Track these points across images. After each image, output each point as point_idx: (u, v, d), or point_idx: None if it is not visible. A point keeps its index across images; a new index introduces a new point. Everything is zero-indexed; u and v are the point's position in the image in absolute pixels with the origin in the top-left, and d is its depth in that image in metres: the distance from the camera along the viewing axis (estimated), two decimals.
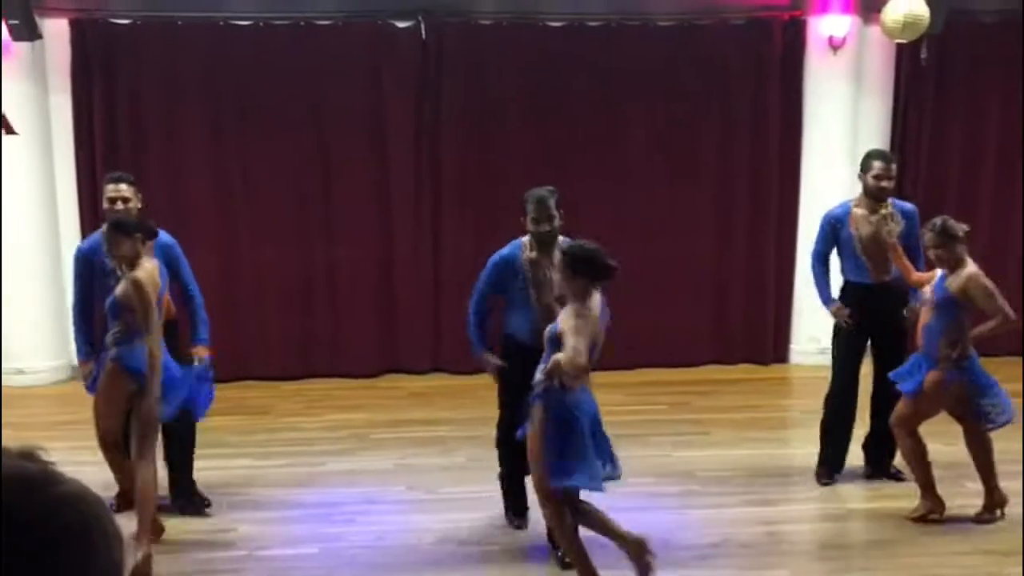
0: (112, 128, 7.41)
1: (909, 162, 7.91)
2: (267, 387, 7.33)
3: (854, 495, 5.51)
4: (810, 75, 7.80)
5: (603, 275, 3.99)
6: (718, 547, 4.76)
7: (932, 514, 4.97)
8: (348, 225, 7.64)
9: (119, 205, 4.92)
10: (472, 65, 7.60)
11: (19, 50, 7.14)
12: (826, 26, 7.67)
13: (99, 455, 5.57)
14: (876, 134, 7.96)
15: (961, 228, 4.70)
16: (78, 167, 7.49)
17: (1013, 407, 4.84)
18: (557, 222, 4.65)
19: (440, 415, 6.83)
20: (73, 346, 7.69)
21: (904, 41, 6.75)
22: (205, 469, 5.79)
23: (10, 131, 7.28)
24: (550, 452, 4.01)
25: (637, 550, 4.08)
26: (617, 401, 7.10)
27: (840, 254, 5.51)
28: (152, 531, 4.54)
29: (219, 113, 7.47)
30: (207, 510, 5.19)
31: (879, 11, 6.78)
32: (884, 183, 5.29)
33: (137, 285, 4.38)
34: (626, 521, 5.03)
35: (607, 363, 7.65)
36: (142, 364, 4.46)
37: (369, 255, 7.75)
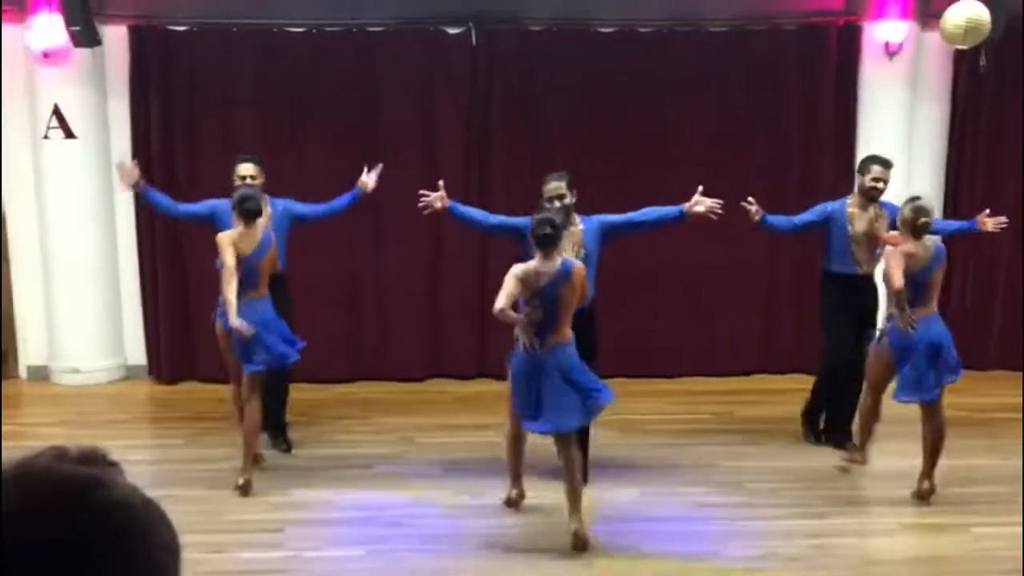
0: (168, 132, 7.54)
1: (964, 170, 7.77)
2: (314, 389, 7.38)
3: (904, 510, 5.42)
4: (865, 82, 7.69)
5: (536, 240, 4.74)
6: (766, 559, 4.71)
7: (854, 462, 5.62)
8: (397, 230, 7.68)
9: (248, 181, 5.99)
10: (523, 72, 7.61)
11: (80, 56, 7.30)
12: (882, 32, 7.55)
13: (152, 455, 5.74)
14: (932, 142, 7.82)
15: (920, 215, 5.19)
16: None
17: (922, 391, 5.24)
18: (568, 200, 5.31)
19: (486, 420, 6.81)
20: (128, 345, 7.92)
21: (965, 47, 6.62)
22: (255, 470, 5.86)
23: (69, 134, 7.46)
24: (514, 400, 4.93)
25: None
26: (662, 410, 7.07)
27: (829, 245, 6.09)
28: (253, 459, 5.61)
29: (272, 118, 7.57)
30: (292, 451, 6.16)
31: (937, 17, 6.66)
32: (880, 185, 5.98)
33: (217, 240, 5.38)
34: (673, 531, 5.01)
35: (652, 370, 7.71)
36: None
37: (417, 260, 7.79)
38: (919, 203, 5.26)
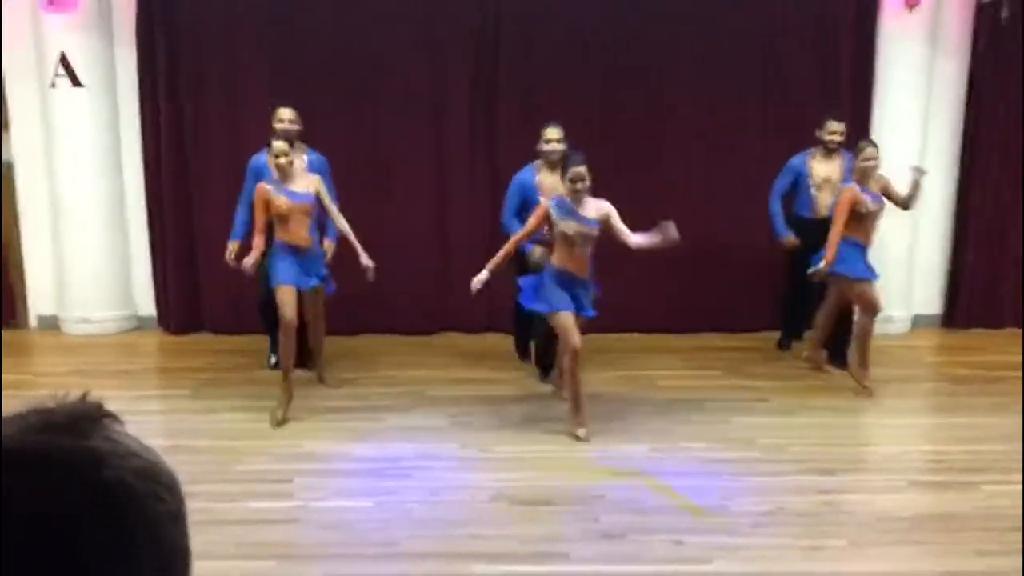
0: (175, 80, 7.47)
1: (982, 127, 7.65)
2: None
3: (914, 468, 5.41)
4: (883, 36, 7.55)
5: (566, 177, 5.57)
6: (774, 515, 4.71)
7: (814, 361, 6.82)
8: (405, 183, 7.63)
9: (286, 125, 6.30)
10: (531, 24, 7.48)
11: (86, 3, 7.21)
12: None
13: (161, 405, 5.72)
14: (950, 97, 7.71)
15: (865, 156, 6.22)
16: (142, 119, 7.57)
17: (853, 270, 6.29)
18: (564, 148, 6.09)
19: (493, 375, 6.83)
20: (137, 296, 7.93)
21: None
22: (262, 421, 5.88)
23: (76, 83, 7.39)
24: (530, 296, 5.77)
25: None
26: (673, 365, 7.06)
27: (797, 193, 6.96)
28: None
29: (278, 67, 7.48)
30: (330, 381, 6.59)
31: None
32: (836, 138, 6.78)
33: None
34: (682, 487, 5.02)
35: (663, 326, 7.69)
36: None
37: (425, 214, 7.74)
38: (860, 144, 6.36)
